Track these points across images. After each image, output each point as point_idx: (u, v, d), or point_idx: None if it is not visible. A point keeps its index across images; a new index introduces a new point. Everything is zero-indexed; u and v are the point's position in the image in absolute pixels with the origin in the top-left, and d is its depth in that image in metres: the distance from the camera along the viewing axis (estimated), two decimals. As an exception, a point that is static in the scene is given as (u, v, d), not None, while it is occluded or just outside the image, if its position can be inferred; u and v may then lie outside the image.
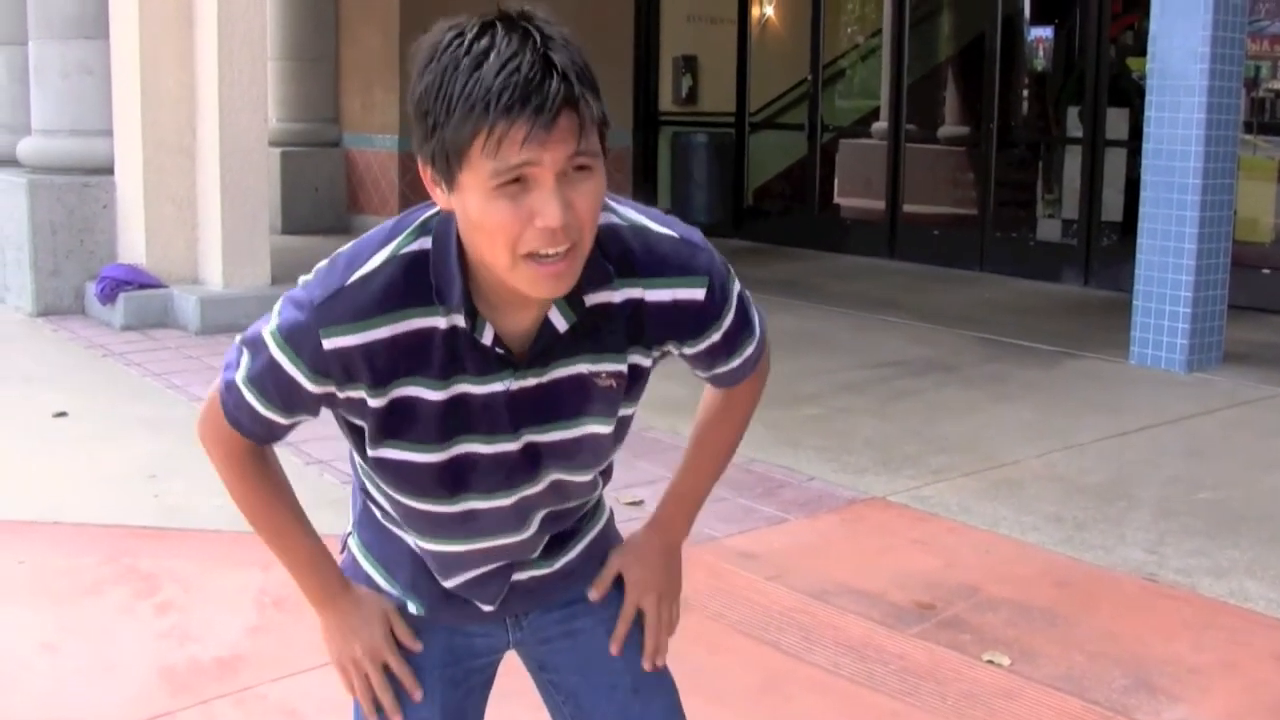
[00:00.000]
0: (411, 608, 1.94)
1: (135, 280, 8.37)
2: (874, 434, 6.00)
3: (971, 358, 7.71)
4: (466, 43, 1.48)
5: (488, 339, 1.64)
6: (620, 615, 1.98)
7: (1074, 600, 4.17)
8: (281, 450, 1.87)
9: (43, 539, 4.63)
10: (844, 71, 14.71)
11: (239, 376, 1.72)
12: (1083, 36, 11.02)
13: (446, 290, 1.62)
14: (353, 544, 2.01)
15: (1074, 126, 10.96)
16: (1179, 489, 5.28)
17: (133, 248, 8.60)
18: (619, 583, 2.00)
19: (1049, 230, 11.39)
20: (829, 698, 3.53)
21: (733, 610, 3.99)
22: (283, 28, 13.34)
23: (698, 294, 1.73)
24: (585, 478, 1.84)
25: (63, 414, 6.17)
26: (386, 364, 1.64)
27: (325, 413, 1.78)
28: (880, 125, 12.82)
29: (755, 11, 13.90)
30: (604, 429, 1.77)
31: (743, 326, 1.83)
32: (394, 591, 1.95)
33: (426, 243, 1.64)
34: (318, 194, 13.51)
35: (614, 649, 1.97)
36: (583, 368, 1.71)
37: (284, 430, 1.78)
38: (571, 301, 1.65)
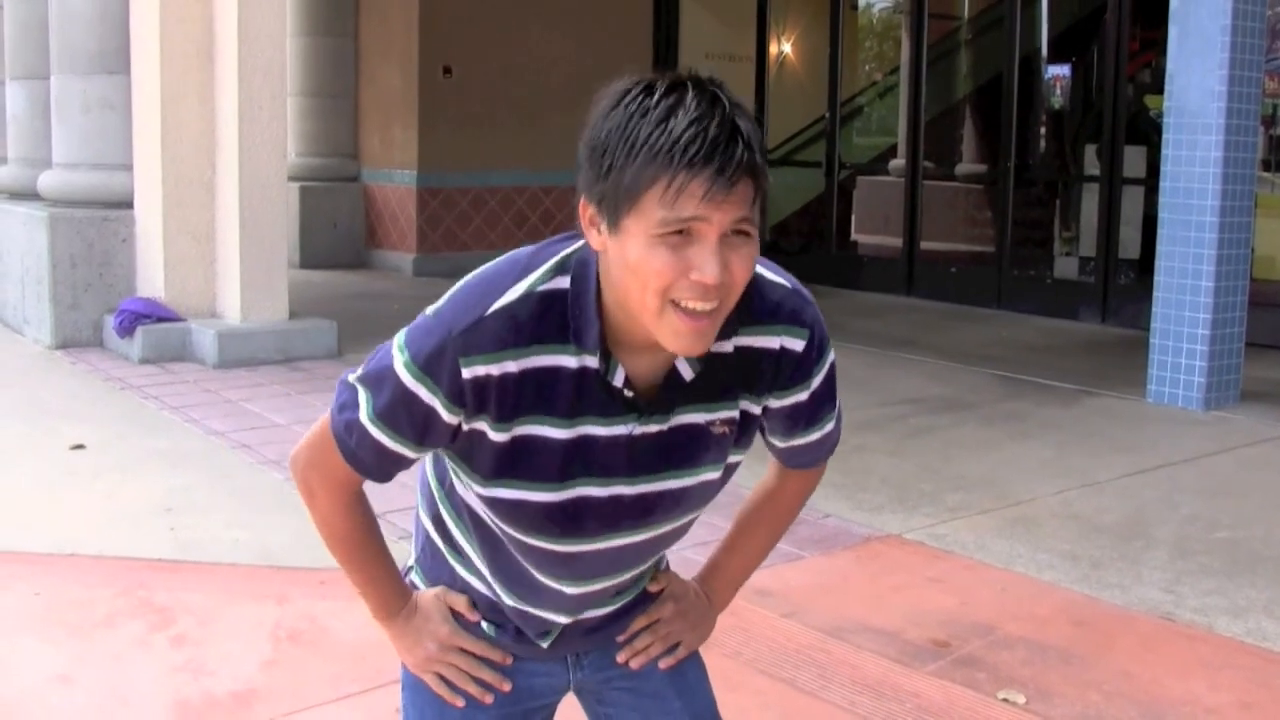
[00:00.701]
0: (487, 630, 1.96)
1: (153, 314, 8.40)
2: (891, 471, 5.98)
3: (988, 395, 7.70)
4: (657, 96, 1.52)
5: (619, 381, 1.66)
6: (645, 612, 2.00)
7: (1090, 639, 4.15)
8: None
9: (59, 571, 4.63)
10: (861, 109, 14.75)
11: (364, 415, 1.71)
12: (1100, 75, 11.04)
13: (584, 331, 1.64)
14: (415, 578, 2.03)
15: (1091, 164, 10.97)
16: (1196, 528, 5.25)
17: (151, 281, 8.64)
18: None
19: (1066, 268, 11.39)
20: (844, 736, 3.52)
21: (749, 648, 3.98)
22: (303, 64, 13.43)
23: (799, 344, 1.75)
24: (687, 519, 1.86)
25: (80, 446, 6.19)
26: (515, 398, 1.65)
27: None
28: (898, 162, 12.85)
29: (773, 49, 13.95)
30: (714, 475, 1.80)
31: (828, 397, 1.85)
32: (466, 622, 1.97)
33: (564, 281, 1.65)
34: (336, 229, 13.57)
35: (620, 638, 1.99)
36: (700, 417, 1.73)
37: (406, 465, 1.77)
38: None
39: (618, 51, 13.36)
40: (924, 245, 12.08)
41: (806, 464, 1.95)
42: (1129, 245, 10.43)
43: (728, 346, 1.71)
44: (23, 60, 9.83)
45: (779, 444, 1.90)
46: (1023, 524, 5.26)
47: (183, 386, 7.63)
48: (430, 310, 1.69)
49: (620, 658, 1.99)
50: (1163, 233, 7.38)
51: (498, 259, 1.72)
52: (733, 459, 1.81)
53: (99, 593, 4.41)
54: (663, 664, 2.00)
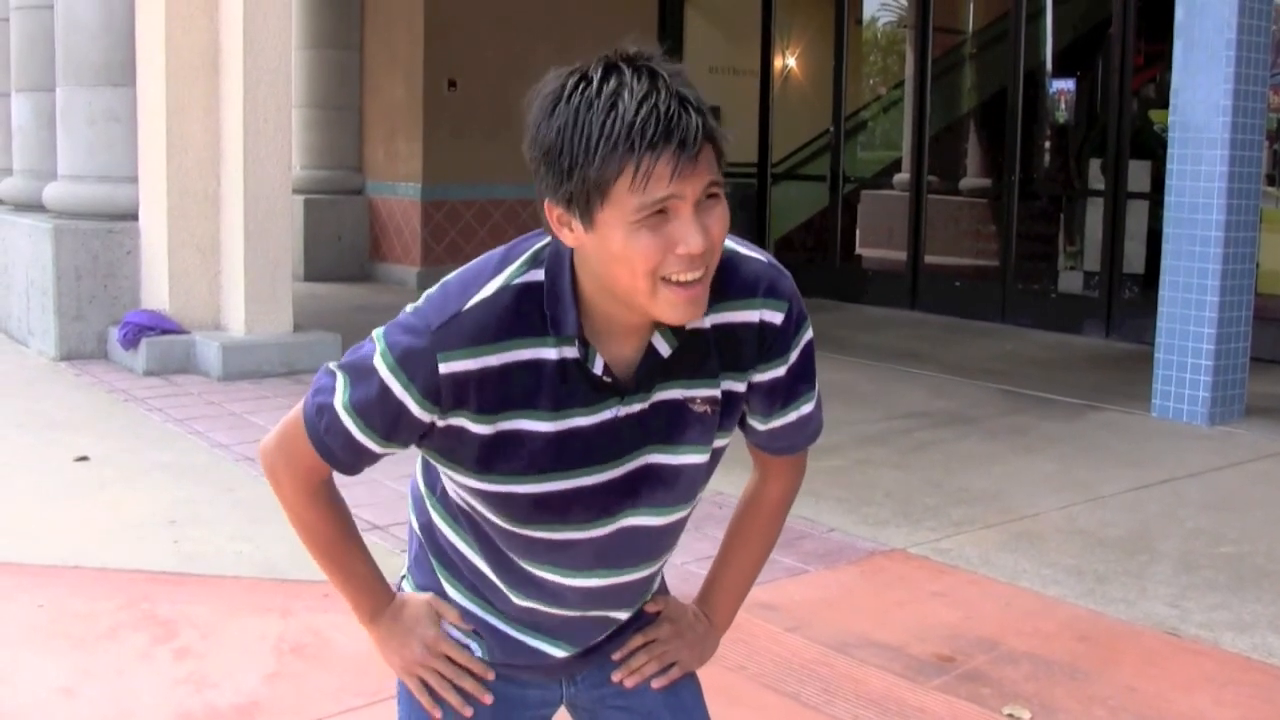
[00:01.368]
0: (475, 649, 1.95)
1: (158, 326, 8.40)
2: (895, 486, 5.98)
3: (993, 410, 7.69)
4: (596, 83, 1.52)
5: (598, 368, 1.67)
6: (640, 631, 2.00)
7: (1095, 654, 4.14)
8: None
9: (62, 583, 4.63)
10: (866, 123, 14.75)
11: (338, 401, 1.73)
12: (1105, 89, 11.04)
13: (561, 320, 1.65)
14: (407, 586, 2.02)
15: (1096, 179, 10.97)
16: (1201, 542, 5.24)
17: (156, 293, 8.65)
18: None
19: (1070, 282, 11.38)
20: (848, 751, 3.51)
21: (753, 662, 3.97)
22: (308, 77, 13.45)
23: (778, 317, 1.76)
24: (677, 515, 1.85)
25: (84, 459, 6.19)
26: (496, 392, 1.66)
27: None
28: (902, 176, 12.85)
29: (778, 63, 13.96)
30: (700, 458, 1.79)
31: (805, 375, 1.85)
32: (454, 635, 1.95)
33: (539, 274, 1.67)
34: (341, 241, 13.58)
35: (616, 655, 1.98)
36: (679, 393, 1.74)
37: (371, 460, 1.78)
38: (673, 327, 1.68)
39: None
40: (928, 259, 12.09)
41: (786, 449, 1.93)
42: (1133, 260, 10.43)
43: (705, 323, 1.72)
44: (28, 72, 9.85)
45: (759, 426, 1.89)
46: (1027, 538, 5.25)
47: (187, 399, 7.63)
48: (410, 307, 1.71)
49: (615, 677, 1.98)
50: (1167, 247, 7.38)
51: (474, 261, 1.74)
52: (718, 443, 1.81)
53: (102, 605, 4.40)
54: (655, 684, 1.99)
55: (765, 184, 13.59)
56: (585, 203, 1.53)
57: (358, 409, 1.71)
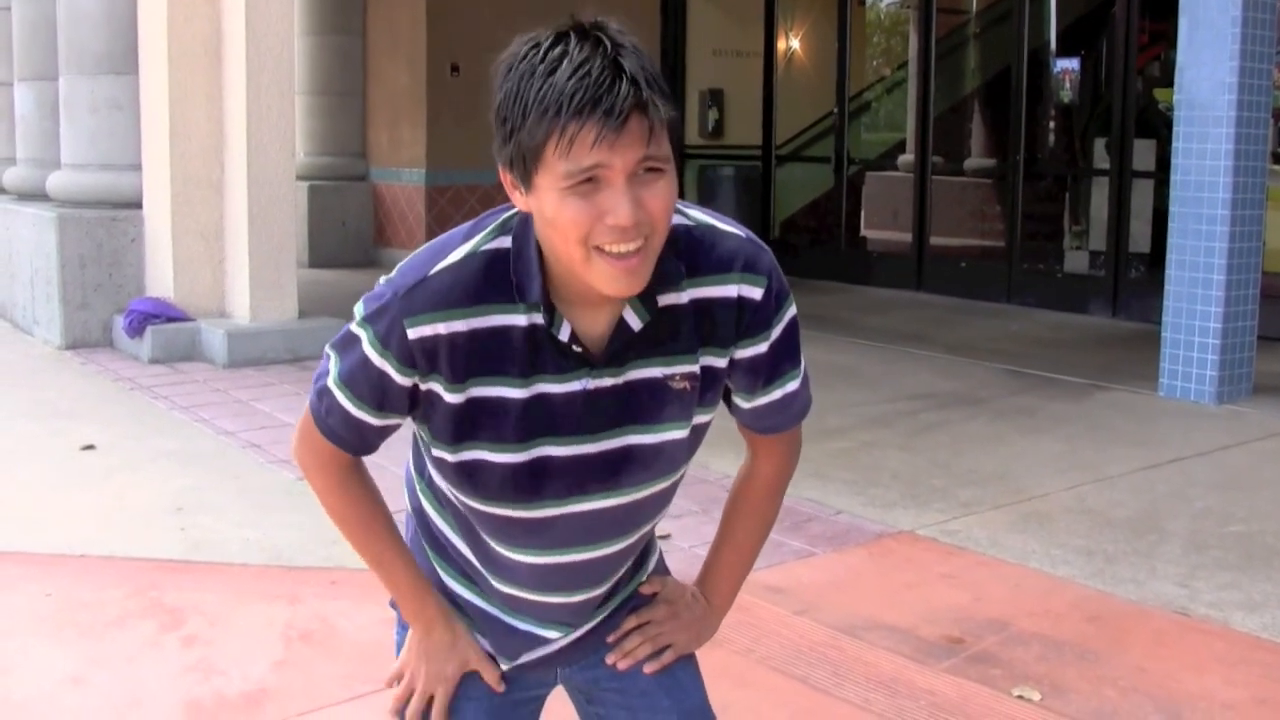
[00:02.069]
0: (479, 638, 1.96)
1: (163, 313, 8.40)
2: (902, 467, 5.97)
3: (999, 390, 7.68)
4: (542, 52, 1.54)
5: (564, 335, 1.67)
6: (636, 612, 2.00)
7: (1105, 635, 4.13)
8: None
9: (69, 572, 4.63)
10: (870, 104, 14.72)
11: (330, 380, 1.75)
12: (1109, 68, 11.02)
13: (526, 286, 1.66)
14: None
15: (1101, 158, 10.94)
16: (1210, 522, 5.23)
17: (160, 281, 8.64)
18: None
19: (1076, 262, 11.36)
20: (858, 733, 3.50)
21: (761, 645, 3.96)
22: (311, 63, 13.44)
23: (756, 293, 1.75)
24: (658, 487, 1.83)
25: (90, 447, 6.19)
26: (466, 358, 1.66)
27: None
28: (906, 158, 12.83)
29: (781, 45, 13.93)
30: (680, 434, 1.78)
31: (788, 353, 1.83)
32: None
33: (506, 241, 1.69)
34: (345, 228, 13.58)
35: (611, 638, 1.99)
36: (656, 370, 1.73)
37: (375, 435, 1.78)
38: (645, 301, 1.68)
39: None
40: (933, 240, 12.07)
41: (773, 428, 1.91)
42: (1139, 239, 10.41)
43: (682, 298, 1.72)
44: (31, 61, 9.84)
45: (743, 404, 1.87)
46: (1035, 519, 5.24)
47: (192, 386, 7.63)
48: (383, 277, 1.72)
49: (609, 659, 1.98)
50: (1174, 226, 7.35)
51: (448, 231, 1.76)
52: (699, 419, 1.80)
53: (109, 593, 4.40)
54: (648, 668, 1.98)
55: (769, 166, 13.57)
56: (523, 166, 1.56)
57: (346, 381, 1.73)
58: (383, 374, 1.68)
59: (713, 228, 1.75)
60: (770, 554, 4.76)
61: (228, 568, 4.67)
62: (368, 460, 1.86)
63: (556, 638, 1.93)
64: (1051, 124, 12.30)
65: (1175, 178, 7.31)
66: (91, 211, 8.77)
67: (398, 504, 1.94)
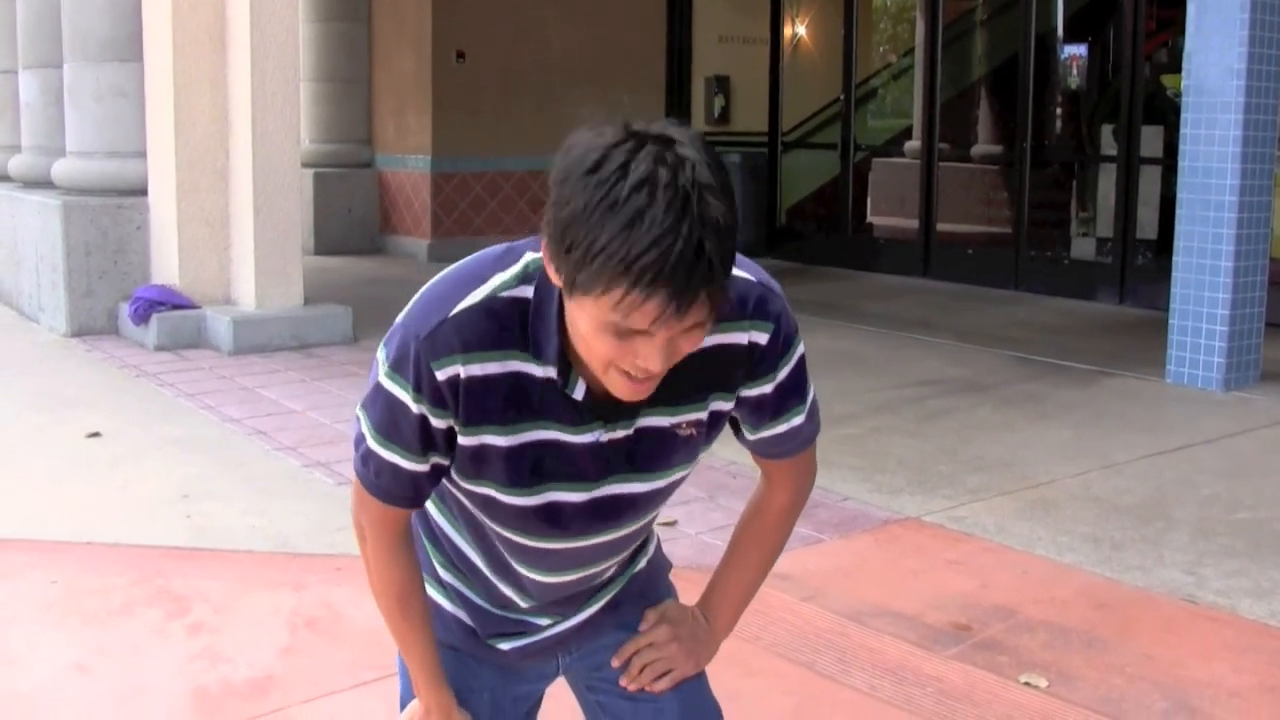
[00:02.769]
0: (465, 617, 1.96)
1: (168, 301, 8.40)
2: (909, 454, 5.96)
3: (1006, 377, 7.66)
4: (628, 189, 1.43)
5: (579, 394, 1.66)
6: (637, 635, 2.00)
7: (1112, 622, 4.12)
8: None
9: (75, 559, 4.63)
10: (877, 90, 14.69)
11: (369, 437, 1.72)
12: (1117, 54, 10.99)
13: (544, 345, 1.63)
14: None
15: (1108, 144, 10.91)
16: (1218, 509, 5.22)
17: (166, 268, 8.64)
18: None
19: (1084, 249, 11.34)
20: (864, 721, 3.50)
21: (768, 632, 3.96)
22: (316, 50, 13.42)
23: (764, 337, 1.73)
24: (660, 509, 1.88)
25: (96, 434, 6.19)
26: (482, 401, 1.65)
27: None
28: (913, 144, 12.80)
29: (787, 31, 13.90)
30: (685, 472, 1.82)
31: (795, 390, 1.82)
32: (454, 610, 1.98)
33: (528, 291, 1.64)
34: (350, 215, 13.57)
35: (615, 661, 1.99)
36: (665, 420, 1.73)
37: (426, 483, 1.75)
38: None
39: (631, 34, 13.35)
40: (940, 227, 12.04)
41: (779, 454, 1.91)
42: (1146, 225, 10.38)
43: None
44: (36, 49, 9.83)
45: (749, 436, 1.88)
46: (1042, 506, 5.23)
47: (198, 373, 7.62)
48: (400, 316, 1.69)
49: (621, 682, 1.99)
50: (1181, 212, 7.33)
51: (465, 260, 1.71)
52: (703, 452, 1.83)
53: (115, 581, 4.40)
54: (652, 688, 1.99)
55: (776, 153, 13.54)
56: (570, 283, 1.49)
57: (383, 432, 1.70)
58: (418, 414, 1.65)
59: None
60: (776, 541, 4.75)
61: (233, 555, 4.67)
62: None
63: (547, 624, 1.95)
64: (1059, 110, 12.28)
65: (1183, 164, 7.29)
66: (97, 199, 8.77)
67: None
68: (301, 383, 7.35)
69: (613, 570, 1.95)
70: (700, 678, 2.04)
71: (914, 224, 12.22)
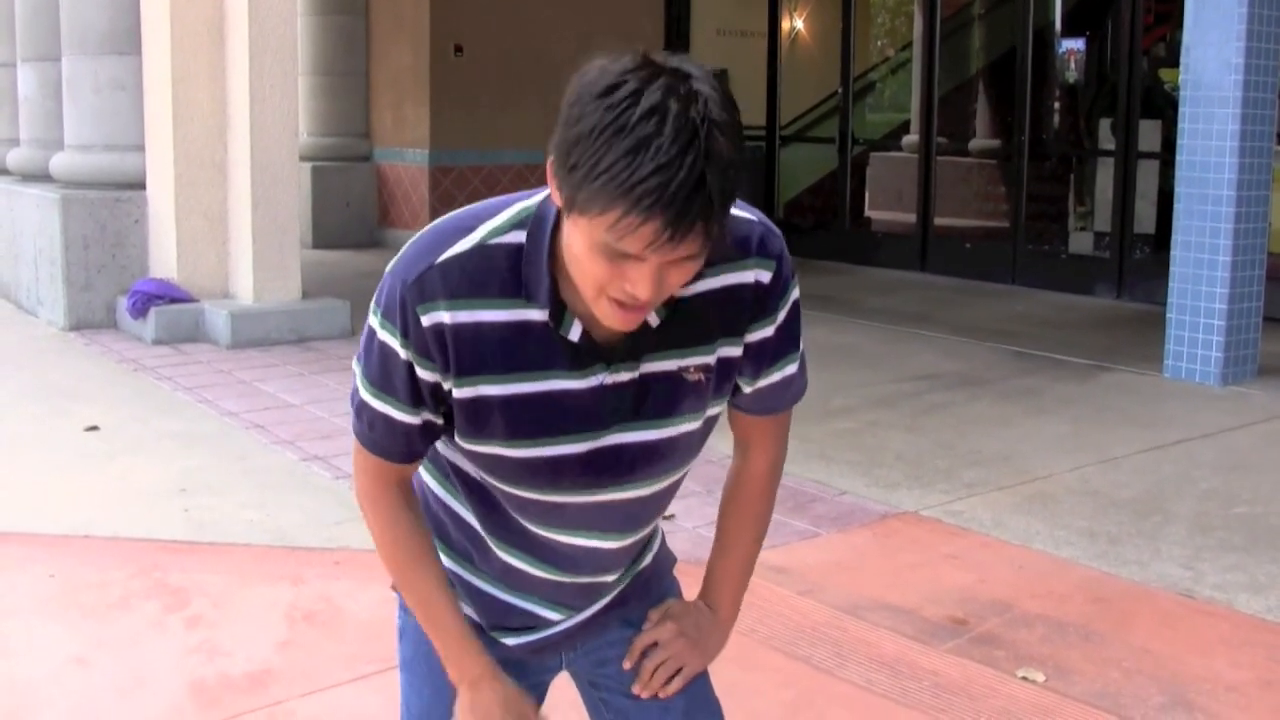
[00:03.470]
0: (469, 611, 1.94)
1: (166, 294, 8.40)
2: (906, 448, 5.96)
3: (1004, 371, 7.67)
4: (638, 115, 1.43)
5: (574, 336, 1.65)
6: (641, 634, 1.99)
7: (1109, 616, 4.13)
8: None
9: (73, 553, 4.63)
10: (874, 84, 14.68)
11: (362, 391, 1.72)
12: (1115, 48, 10.98)
13: (535, 288, 1.63)
14: None
15: (1106, 139, 10.91)
16: (1215, 503, 5.23)
17: (164, 262, 8.63)
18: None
19: (1081, 243, 11.34)
20: (862, 714, 3.50)
21: (765, 626, 3.96)
22: (314, 43, 13.41)
23: (767, 275, 1.73)
24: (671, 479, 1.84)
25: (94, 428, 6.19)
26: (472, 350, 1.64)
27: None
28: (911, 138, 12.79)
29: (785, 25, 13.89)
30: (693, 425, 1.78)
31: (791, 335, 1.82)
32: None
33: (519, 236, 1.64)
34: (349, 208, 13.56)
35: (626, 664, 1.98)
36: (671, 363, 1.71)
37: (419, 438, 1.74)
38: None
39: (630, 27, 13.33)
40: (938, 221, 12.04)
41: (768, 409, 1.90)
42: (1144, 220, 10.39)
43: (700, 289, 1.69)
44: (33, 42, 9.81)
45: (745, 389, 1.85)
46: (1040, 500, 5.23)
47: (196, 367, 7.63)
48: (390, 264, 1.69)
49: (634, 689, 1.97)
50: (1179, 207, 7.34)
51: (458, 210, 1.71)
52: (711, 410, 1.80)
53: (114, 574, 4.41)
54: (663, 691, 1.97)
55: (773, 147, 13.53)
56: (570, 201, 1.49)
57: (376, 383, 1.70)
58: (406, 364, 1.65)
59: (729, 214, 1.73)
60: (774, 534, 4.74)
61: (231, 548, 4.67)
62: None
63: (558, 619, 1.92)
64: (1057, 104, 12.27)
65: (1181, 158, 7.29)
66: (95, 192, 8.76)
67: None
68: (300, 376, 7.35)
69: (621, 566, 1.93)
70: (703, 674, 2.04)
71: (912, 218, 12.22)
